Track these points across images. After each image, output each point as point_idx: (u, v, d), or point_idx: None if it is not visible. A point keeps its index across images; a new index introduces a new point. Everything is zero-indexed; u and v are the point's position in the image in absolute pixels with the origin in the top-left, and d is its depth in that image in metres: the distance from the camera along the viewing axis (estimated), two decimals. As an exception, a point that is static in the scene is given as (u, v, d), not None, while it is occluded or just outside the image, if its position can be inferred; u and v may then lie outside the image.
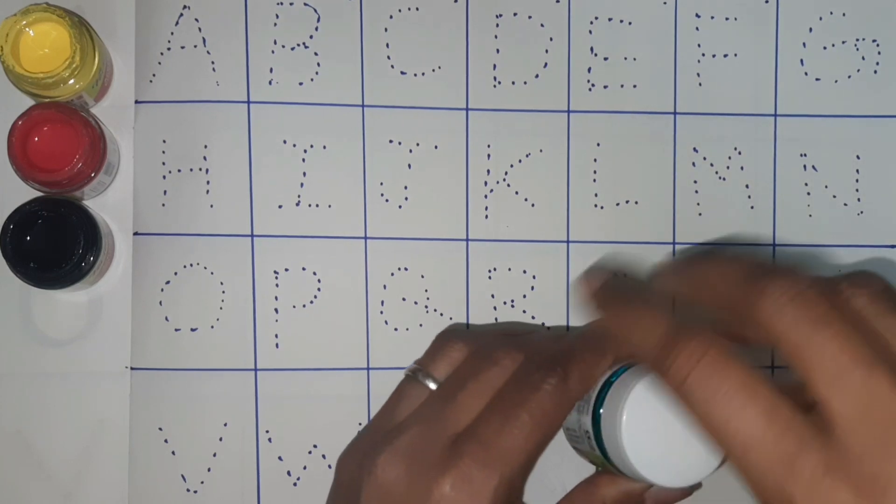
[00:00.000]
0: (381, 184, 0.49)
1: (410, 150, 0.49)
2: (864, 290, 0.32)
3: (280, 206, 0.48)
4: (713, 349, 0.32)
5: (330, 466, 0.47)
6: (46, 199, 0.45)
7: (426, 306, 0.48)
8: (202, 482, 0.47)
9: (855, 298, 0.32)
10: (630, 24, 0.49)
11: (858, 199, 0.50)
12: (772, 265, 0.33)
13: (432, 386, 0.42)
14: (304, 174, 0.48)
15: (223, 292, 0.48)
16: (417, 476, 0.38)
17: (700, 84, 0.50)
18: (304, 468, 0.48)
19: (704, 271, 0.36)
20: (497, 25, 0.49)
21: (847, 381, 0.29)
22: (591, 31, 0.49)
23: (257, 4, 0.48)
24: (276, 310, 0.48)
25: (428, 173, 0.49)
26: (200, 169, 0.48)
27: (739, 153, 0.50)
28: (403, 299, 0.48)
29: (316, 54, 0.48)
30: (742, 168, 0.50)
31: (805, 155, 0.50)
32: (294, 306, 0.48)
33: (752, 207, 0.50)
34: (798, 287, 0.31)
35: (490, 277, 0.49)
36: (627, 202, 0.49)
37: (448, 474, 0.37)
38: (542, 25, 0.49)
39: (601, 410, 0.39)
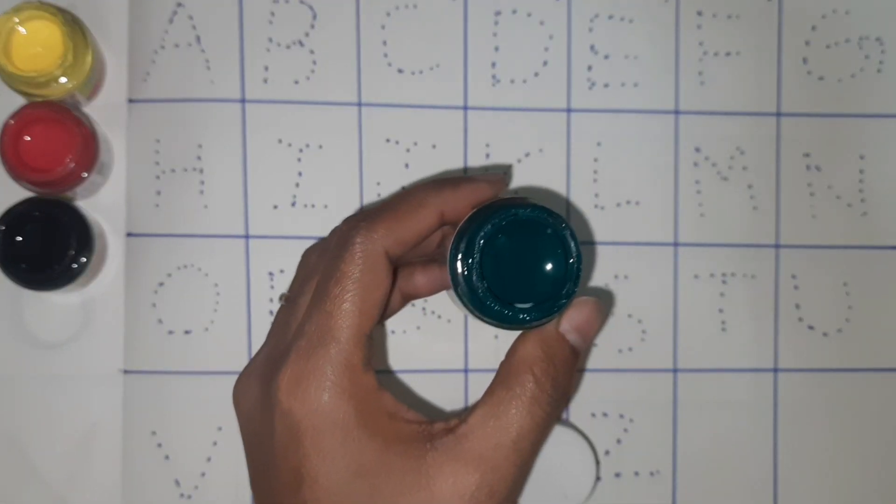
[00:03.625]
0: (378, 184, 0.48)
1: (408, 150, 0.48)
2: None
3: (275, 207, 0.48)
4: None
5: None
6: (38, 199, 0.45)
7: (423, 308, 0.48)
8: (196, 487, 0.47)
9: None
10: (631, 21, 0.49)
11: (862, 200, 0.49)
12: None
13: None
14: (300, 174, 0.48)
15: (217, 294, 0.47)
16: (266, 390, 0.36)
17: (702, 83, 0.49)
18: (300, 472, 0.47)
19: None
20: (496, 23, 0.48)
21: None
22: (591, 29, 0.49)
23: (252, 1, 0.48)
24: (272, 312, 0.47)
25: (426, 173, 0.48)
26: (194, 169, 0.47)
27: (742, 153, 0.49)
28: (401, 301, 0.48)
29: (311, 52, 0.48)
30: (744, 168, 0.49)
31: (808, 155, 0.49)
32: (290, 308, 0.47)
33: (754, 208, 0.49)
34: None
35: (489, 279, 0.48)
36: (628, 202, 0.49)
37: (278, 380, 0.35)
38: (541, 23, 0.49)
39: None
